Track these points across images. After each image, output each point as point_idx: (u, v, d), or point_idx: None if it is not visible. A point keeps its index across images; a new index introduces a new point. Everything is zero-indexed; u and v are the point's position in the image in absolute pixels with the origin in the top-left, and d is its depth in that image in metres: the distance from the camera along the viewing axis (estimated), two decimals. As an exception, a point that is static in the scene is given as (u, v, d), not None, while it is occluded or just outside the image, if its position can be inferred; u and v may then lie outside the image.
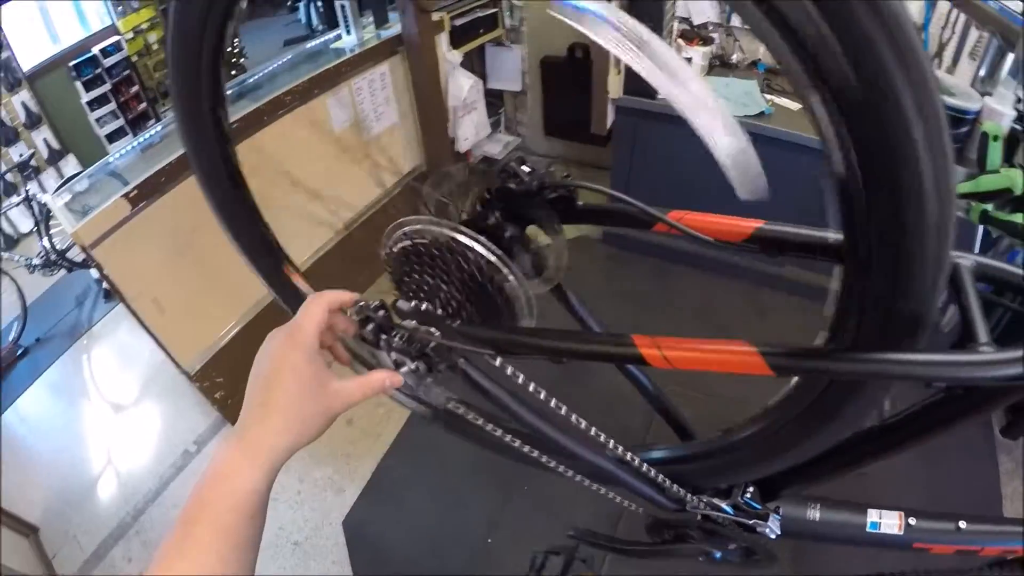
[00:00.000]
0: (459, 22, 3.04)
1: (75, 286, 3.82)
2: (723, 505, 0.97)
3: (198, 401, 2.53)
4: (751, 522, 0.94)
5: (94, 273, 3.24)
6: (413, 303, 0.68)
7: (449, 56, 2.98)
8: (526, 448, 0.85)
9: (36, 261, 3.65)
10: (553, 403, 0.73)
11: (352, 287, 0.69)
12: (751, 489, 0.94)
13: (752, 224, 0.68)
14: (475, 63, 3.52)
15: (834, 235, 0.63)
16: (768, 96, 2.78)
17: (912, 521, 0.85)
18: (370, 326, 0.67)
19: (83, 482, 2.58)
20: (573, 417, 0.75)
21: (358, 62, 2.65)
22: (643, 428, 2.34)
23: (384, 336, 0.67)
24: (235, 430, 0.59)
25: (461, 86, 3.04)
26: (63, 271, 3.74)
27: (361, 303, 0.67)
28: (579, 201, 0.76)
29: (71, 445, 2.79)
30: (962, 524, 0.84)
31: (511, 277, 0.64)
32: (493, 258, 0.63)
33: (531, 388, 0.71)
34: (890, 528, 0.85)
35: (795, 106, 2.78)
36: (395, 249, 0.69)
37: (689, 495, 0.94)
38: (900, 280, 0.48)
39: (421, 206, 0.73)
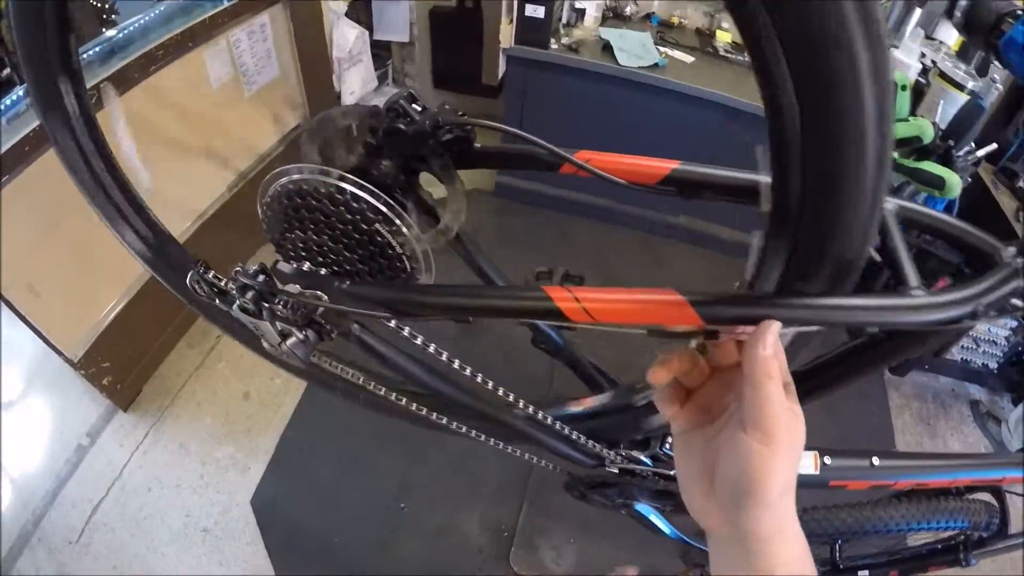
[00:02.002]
0: (344, -31, 2.87)
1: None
2: (642, 457, 0.95)
3: (86, 390, 2.34)
4: (672, 472, 0.93)
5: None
6: (296, 265, 0.61)
7: (333, 5, 2.81)
8: (435, 415, 0.80)
9: None
10: (470, 370, 0.68)
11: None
12: (670, 439, 0.92)
13: (668, 165, 0.64)
14: (361, 13, 3.36)
15: (757, 177, 0.59)
16: (662, 49, 2.80)
17: (827, 460, 0.86)
18: (249, 294, 0.59)
19: (-25, 493, 2.34)
20: (480, 378, 0.70)
21: (236, 12, 2.43)
22: (547, 379, 2.36)
23: (266, 304, 0.59)
24: None
25: (346, 37, 2.88)
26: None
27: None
28: (476, 143, 0.69)
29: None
30: (875, 460, 0.86)
31: (405, 229, 0.57)
32: (384, 208, 0.56)
33: (443, 355, 0.66)
34: (806, 468, 0.86)
35: (688, 59, 2.84)
36: (273, 204, 0.61)
37: (606, 450, 0.92)
38: (836, 225, 0.44)
39: (302, 154, 0.65)
